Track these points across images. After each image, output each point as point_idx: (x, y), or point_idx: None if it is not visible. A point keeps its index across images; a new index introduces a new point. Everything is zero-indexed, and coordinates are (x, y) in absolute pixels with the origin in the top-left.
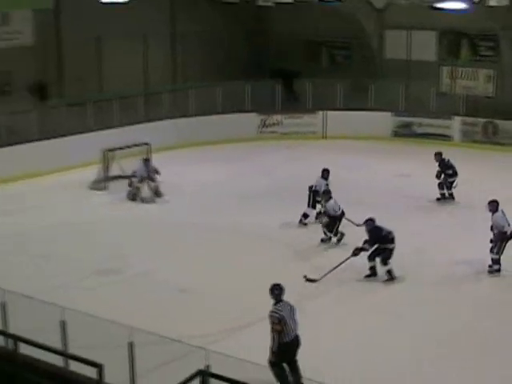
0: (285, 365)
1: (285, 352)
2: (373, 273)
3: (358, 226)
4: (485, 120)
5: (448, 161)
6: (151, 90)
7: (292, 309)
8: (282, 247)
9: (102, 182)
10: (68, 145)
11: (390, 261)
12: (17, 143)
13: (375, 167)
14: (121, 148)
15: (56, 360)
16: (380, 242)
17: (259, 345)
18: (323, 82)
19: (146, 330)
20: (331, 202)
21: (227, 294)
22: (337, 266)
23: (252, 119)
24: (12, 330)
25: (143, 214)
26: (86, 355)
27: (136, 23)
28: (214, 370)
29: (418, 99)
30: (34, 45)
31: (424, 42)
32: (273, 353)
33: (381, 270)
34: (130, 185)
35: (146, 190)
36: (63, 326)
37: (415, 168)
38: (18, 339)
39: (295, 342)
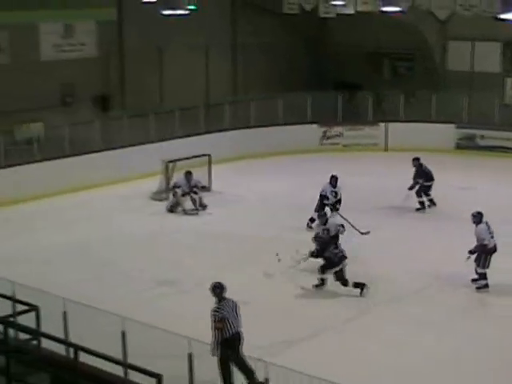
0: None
1: (226, 348)
2: None
3: (362, 234)
4: None
5: (426, 167)
6: (212, 101)
7: (234, 306)
8: None
9: (163, 193)
10: (130, 156)
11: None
12: (79, 154)
13: (438, 180)
14: (182, 159)
15: (116, 370)
16: None
17: (319, 358)
18: (385, 95)
19: (205, 341)
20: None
21: (285, 307)
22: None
23: (313, 131)
24: (72, 339)
25: (203, 224)
26: (145, 365)
27: (197, 35)
28: (272, 383)
29: (482, 111)
30: (97, 56)
31: (487, 54)
32: (213, 349)
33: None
34: (174, 195)
35: (188, 203)
36: (123, 335)
37: (479, 181)
38: (78, 348)
39: (237, 338)
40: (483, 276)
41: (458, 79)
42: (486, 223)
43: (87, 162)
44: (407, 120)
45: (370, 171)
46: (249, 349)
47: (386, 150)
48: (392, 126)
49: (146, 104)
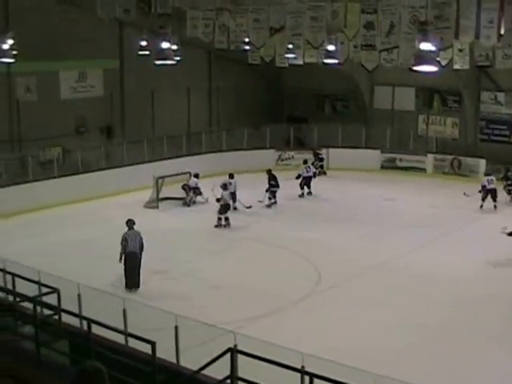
0: (130, 266)
1: (128, 258)
2: None
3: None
4: (452, 157)
5: (274, 176)
6: (192, 130)
7: (138, 235)
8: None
9: (154, 202)
10: (128, 173)
11: None
12: (89, 171)
13: (367, 193)
14: (169, 176)
15: (119, 338)
16: None
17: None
18: (326, 126)
19: (188, 316)
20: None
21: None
22: None
23: (271, 154)
24: (86, 314)
25: (187, 226)
26: (142, 335)
27: (181, 80)
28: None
29: (400, 140)
30: (103, 96)
31: (404, 96)
32: (120, 257)
33: None
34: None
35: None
36: (124, 313)
37: (399, 193)
38: (91, 321)
39: (136, 254)
40: None
41: (382, 115)
42: None
43: (95, 178)
44: (344, 146)
45: (314, 186)
46: (222, 323)
47: (327, 168)
48: (332, 150)
49: (141, 133)
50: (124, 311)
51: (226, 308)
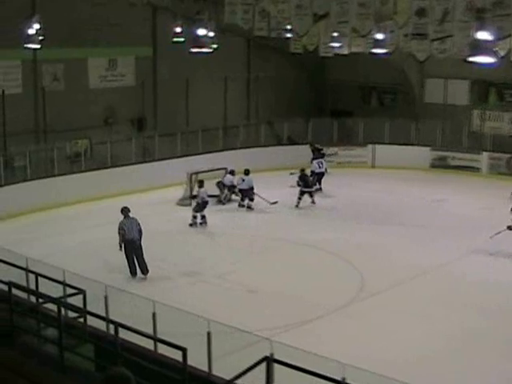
0: (131, 254)
1: (127, 246)
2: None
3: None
4: (508, 155)
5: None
6: (229, 123)
7: (135, 222)
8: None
9: (187, 200)
10: (160, 168)
11: None
12: (118, 166)
13: (416, 193)
14: (203, 171)
15: (147, 344)
16: None
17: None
18: (373, 121)
19: (221, 321)
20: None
21: (290, 295)
22: None
23: None
24: (112, 317)
25: (221, 225)
26: (172, 341)
27: (218, 69)
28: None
29: (453, 137)
30: (134, 85)
31: (458, 89)
32: (119, 246)
33: None
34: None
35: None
36: (154, 316)
37: (450, 194)
38: (118, 325)
39: (135, 241)
40: None
41: (433, 110)
42: None
43: (124, 173)
44: (391, 142)
45: (359, 184)
46: (258, 331)
47: (373, 167)
48: (378, 147)
49: (174, 125)
50: (153, 315)
51: (262, 314)
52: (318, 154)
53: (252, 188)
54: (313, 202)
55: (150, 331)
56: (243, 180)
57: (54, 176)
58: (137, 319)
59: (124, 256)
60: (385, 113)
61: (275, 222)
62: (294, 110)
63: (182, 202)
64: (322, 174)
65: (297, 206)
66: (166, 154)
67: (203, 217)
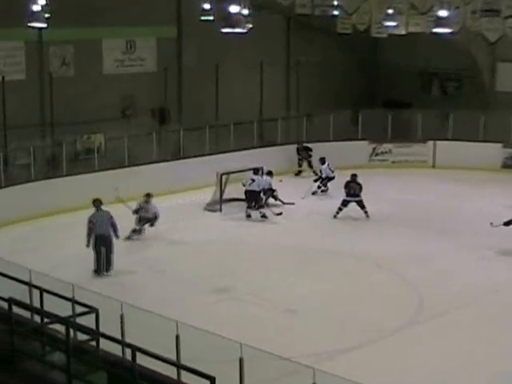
0: (102, 250)
1: (96, 240)
2: None
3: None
4: None
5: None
6: (266, 116)
7: (107, 215)
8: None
9: (216, 204)
10: (185, 167)
11: None
12: (137, 165)
13: (484, 197)
14: (235, 172)
15: (170, 371)
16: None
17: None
18: (434, 113)
19: (256, 346)
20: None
21: (335, 315)
22: None
23: (363, 147)
24: (129, 340)
25: (254, 235)
26: (198, 368)
27: (252, 52)
28: None
29: None
30: (156, 71)
31: None
32: (87, 240)
33: None
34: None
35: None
36: (177, 339)
37: None
38: (136, 349)
39: (106, 236)
40: None
41: (506, 100)
42: None
43: (144, 173)
44: (455, 138)
45: (417, 187)
46: (299, 357)
47: (433, 166)
48: (440, 143)
49: (202, 118)
50: (177, 337)
51: (303, 337)
52: (305, 154)
53: (261, 191)
54: (367, 216)
55: (172, 357)
56: (253, 180)
57: (63, 176)
58: (157, 343)
59: (94, 253)
60: (448, 103)
61: (312, 229)
62: (342, 101)
63: (210, 207)
64: (333, 178)
65: (335, 216)
66: (192, 152)
67: (140, 231)
